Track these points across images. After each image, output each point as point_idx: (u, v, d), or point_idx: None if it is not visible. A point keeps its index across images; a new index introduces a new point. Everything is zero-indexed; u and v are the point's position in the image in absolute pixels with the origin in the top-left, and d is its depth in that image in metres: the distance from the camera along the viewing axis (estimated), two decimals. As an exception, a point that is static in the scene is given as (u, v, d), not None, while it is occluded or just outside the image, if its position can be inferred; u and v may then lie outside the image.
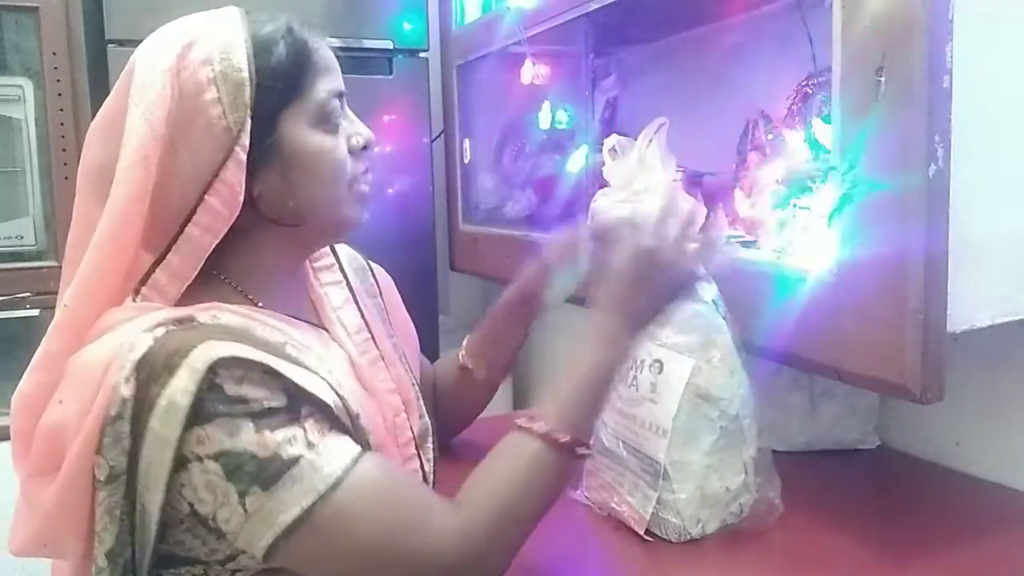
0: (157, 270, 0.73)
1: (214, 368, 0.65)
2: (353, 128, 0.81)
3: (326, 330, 0.85)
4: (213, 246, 0.74)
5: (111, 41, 1.59)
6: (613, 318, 0.78)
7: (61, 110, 1.57)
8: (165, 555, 0.72)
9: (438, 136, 1.93)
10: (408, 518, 0.68)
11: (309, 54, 0.77)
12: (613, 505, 0.90)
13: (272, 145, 0.75)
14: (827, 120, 0.95)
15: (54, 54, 1.55)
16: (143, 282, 0.73)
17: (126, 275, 0.73)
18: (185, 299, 0.74)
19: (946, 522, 0.90)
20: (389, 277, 1.03)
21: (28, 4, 1.53)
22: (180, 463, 0.65)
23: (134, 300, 0.73)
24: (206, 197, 0.72)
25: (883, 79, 0.73)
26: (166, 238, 0.73)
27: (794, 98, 1.14)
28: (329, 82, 0.78)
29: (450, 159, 1.89)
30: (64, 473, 0.66)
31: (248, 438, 0.65)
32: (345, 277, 0.92)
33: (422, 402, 0.92)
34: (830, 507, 0.93)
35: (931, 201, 0.71)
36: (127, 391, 0.65)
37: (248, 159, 0.73)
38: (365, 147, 0.81)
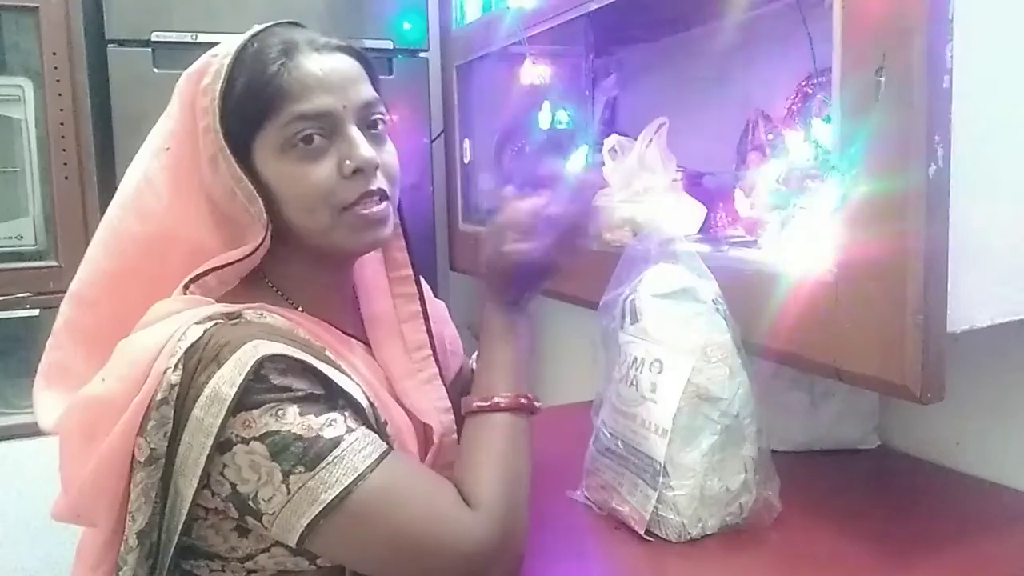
0: (211, 275, 0.77)
1: (261, 362, 0.69)
2: (348, 151, 0.77)
3: (366, 343, 0.87)
4: (255, 262, 0.79)
5: (111, 41, 1.59)
6: (502, 293, 0.84)
7: (61, 110, 1.57)
8: (188, 547, 0.75)
9: (438, 136, 1.93)
10: (439, 506, 0.72)
11: (273, 78, 0.75)
12: (613, 505, 0.90)
13: (252, 171, 0.77)
14: (827, 120, 0.95)
15: (54, 54, 1.55)
16: (194, 280, 0.77)
17: (122, 258, 0.80)
18: (229, 297, 0.79)
19: (946, 522, 0.90)
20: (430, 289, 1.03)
21: (28, 4, 1.53)
22: (223, 446, 0.69)
23: (184, 294, 0.77)
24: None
25: (883, 79, 0.73)
26: (228, 240, 0.79)
27: (794, 98, 1.15)
28: (303, 105, 0.75)
29: (450, 159, 1.89)
30: (104, 451, 0.69)
31: (293, 420, 0.69)
32: (419, 291, 0.92)
33: None
34: (830, 507, 0.93)
35: (931, 201, 0.70)
36: (175, 377, 0.68)
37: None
38: (359, 170, 0.77)
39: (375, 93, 0.82)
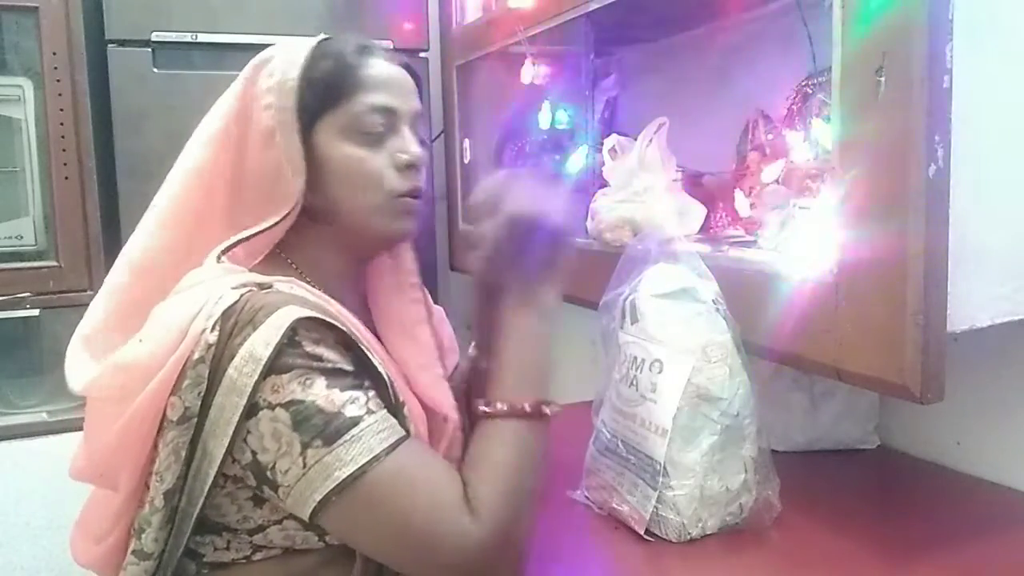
0: (240, 246, 0.81)
1: (295, 327, 0.71)
2: (402, 145, 0.84)
3: (378, 339, 0.89)
4: (283, 231, 0.83)
5: (111, 41, 1.59)
6: (519, 282, 0.79)
7: (61, 110, 1.56)
8: (198, 519, 0.76)
9: (438, 136, 1.93)
10: (445, 504, 0.71)
11: (354, 69, 0.83)
12: (613, 505, 0.90)
13: (308, 148, 0.82)
14: (827, 120, 0.95)
15: (54, 54, 1.55)
16: (224, 252, 0.80)
17: (187, 233, 0.83)
18: (256, 272, 0.81)
19: (946, 522, 0.90)
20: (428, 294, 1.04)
21: (28, 4, 1.53)
22: (251, 410, 0.70)
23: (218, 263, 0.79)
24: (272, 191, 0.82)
25: (883, 79, 0.73)
26: (253, 221, 0.82)
27: (794, 98, 1.14)
28: (374, 97, 0.83)
29: (450, 159, 1.89)
30: (135, 410, 0.71)
31: (319, 392, 0.70)
32: (425, 297, 0.95)
33: None
34: (830, 507, 0.93)
35: (931, 201, 0.71)
36: (212, 337, 0.70)
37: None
38: (411, 165, 0.84)
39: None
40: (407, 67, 0.89)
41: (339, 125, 0.82)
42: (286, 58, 0.84)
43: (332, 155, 0.83)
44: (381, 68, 0.85)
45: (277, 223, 0.82)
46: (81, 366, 0.78)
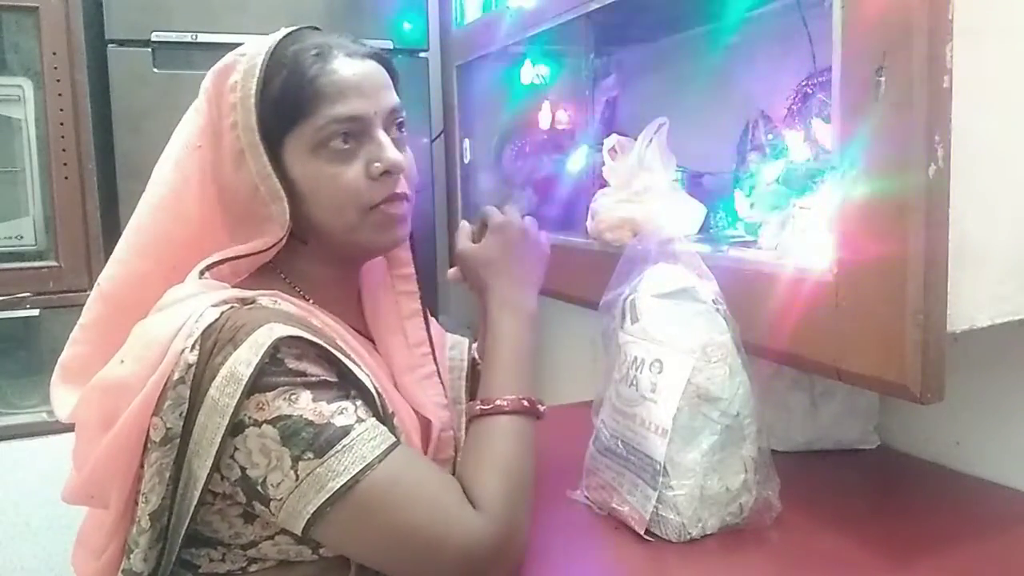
0: (225, 264, 0.79)
1: (276, 345, 0.70)
2: (377, 153, 0.80)
3: (371, 340, 0.88)
4: (270, 257, 0.82)
5: (111, 41, 1.60)
6: (505, 291, 0.89)
7: (61, 110, 1.57)
8: (190, 534, 0.75)
9: (438, 136, 1.93)
10: (444, 503, 0.72)
11: (312, 80, 0.77)
12: (613, 505, 0.90)
13: (280, 169, 0.79)
14: (827, 120, 0.95)
15: (54, 54, 1.55)
16: (209, 267, 0.79)
17: (158, 260, 0.81)
18: (241, 285, 0.80)
19: (946, 522, 0.90)
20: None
21: (28, 4, 1.54)
22: (236, 428, 0.70)
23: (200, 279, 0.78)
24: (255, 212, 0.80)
25: (883, 79, 0.73)
26: (240, 239, 0.81)
27: (794, 98, 1.14)
28: (338, 108, 0.77)
29: (450, 159, 1.89)
30: (118, 430, 0.70)
31: (306, 405, 0.70)
32: (420, 289, 0.94)
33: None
34: (830, 507, 0.93)
35: (931, 201, 0.71)
36: (192, 357, 0.69)
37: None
38: (387, 172, 0.80)
39: (398, 99, 0.85)
40: (376, 56, 0.83)
41: (305, 143, 0.78)
42: (247, 67, 0.79)
43: (303, 175, 0.79)
44: (343, 71, 0.78)
45: (265, 250, 0.80)
46: (65, 397, 0.78)
